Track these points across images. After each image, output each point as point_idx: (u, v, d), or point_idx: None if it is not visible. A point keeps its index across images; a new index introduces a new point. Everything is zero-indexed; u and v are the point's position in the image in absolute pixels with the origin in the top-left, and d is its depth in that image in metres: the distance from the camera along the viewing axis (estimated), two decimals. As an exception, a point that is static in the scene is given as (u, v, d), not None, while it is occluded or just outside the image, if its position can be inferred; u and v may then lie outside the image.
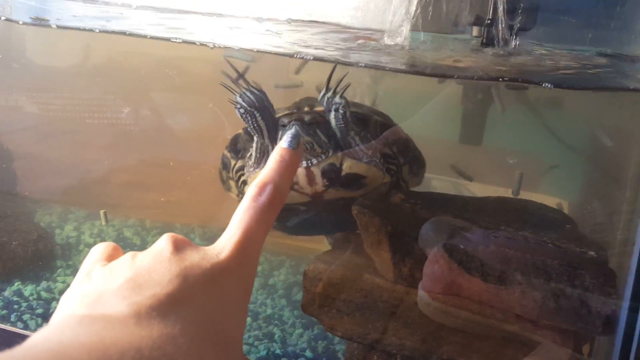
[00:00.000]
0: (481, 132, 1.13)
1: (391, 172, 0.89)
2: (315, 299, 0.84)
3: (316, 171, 0.81)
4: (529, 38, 0.80)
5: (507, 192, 1.15)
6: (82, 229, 1.37)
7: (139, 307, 0.39)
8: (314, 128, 0.80)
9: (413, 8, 0.81)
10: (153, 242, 1.25)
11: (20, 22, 1.05)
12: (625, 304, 0.69)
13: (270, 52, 0.90)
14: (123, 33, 0.96)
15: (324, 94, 0.82)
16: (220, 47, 0.88)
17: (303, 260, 1.25)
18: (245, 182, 0.91)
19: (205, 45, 0.90)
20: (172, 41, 0.92)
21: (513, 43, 0.79)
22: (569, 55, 0.83)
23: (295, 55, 0.88)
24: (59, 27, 1.01)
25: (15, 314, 1.07)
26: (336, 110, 0.82)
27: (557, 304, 0.70)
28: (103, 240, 1.32)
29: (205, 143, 1.25)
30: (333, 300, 0.83)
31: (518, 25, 0.78)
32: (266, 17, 0.95)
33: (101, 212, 1.16)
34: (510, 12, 0.78)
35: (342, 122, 0.82)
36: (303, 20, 0.93)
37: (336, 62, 0.80)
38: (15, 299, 1.12)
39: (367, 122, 0.89)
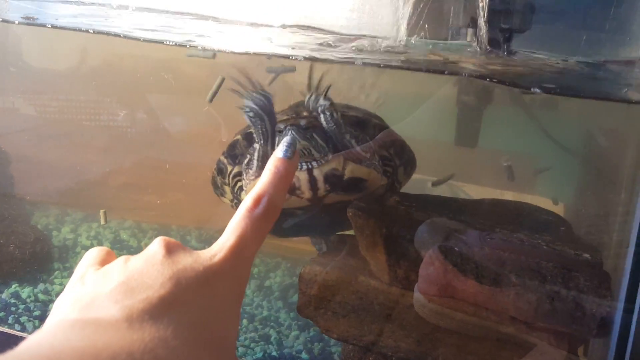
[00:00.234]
0: (476, 134, 1.13)
1: (388, 174, 0.89)
2: (311, 301, 0.84)
3: (319, 176, 0.80)
4: (523, 40, 0.81)
5: (502, 194, 1.15)
6: (79, 231, 1.37)
7: (131, 311, 0.40)
8: (310, 132, 0.80)
9: (408, 11, 0.82)
10: (149, 244, 1.25)
11: (16, 22, 1.06)
12: (620, 305, 0.69)
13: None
14: (118, 35, 0.96)
15: (309, 98, 0.82)
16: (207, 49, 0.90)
17: (299, 262, 1.25)
18: (242, 189, 0.90)
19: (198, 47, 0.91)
20: (165, 44, 0.92)
21: (507, 46, 0.79)
22: (563, 62, 0.84)
23: (290, 57, 0.89)
24: (54, 26, 1.01)
25: (12, 316, 1.07)
26: (323, 112, 0.82)
27: (551, 306, 0.71)
28: (100, 242, 1.33)
29: (201, 145, 1.26)
30: (329, 302, 0.84)
31: (512, 27, 0.79)
32: (260, 21, 0.95)
33: (101, 211, 1.15)
34: (505, 14, 0.78)
35: (332, 124, 0.82)
36: (298, 25, 0.93)
37: (312, 62, 0.81)
38: (12, 301, 1.12)
39: (365, 125, 0.89)
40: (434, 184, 1.06)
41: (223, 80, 0.99)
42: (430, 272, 0.76)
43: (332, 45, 0.87)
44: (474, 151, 1.14)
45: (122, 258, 0.47)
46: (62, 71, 1.41)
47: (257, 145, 0.85)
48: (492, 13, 0.75)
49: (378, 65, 0.87)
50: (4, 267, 1.19)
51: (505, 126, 1.15)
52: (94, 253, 0.50)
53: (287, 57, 0.91)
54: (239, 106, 0.82)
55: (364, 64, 0.84)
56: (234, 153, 0.93)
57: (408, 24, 0.82)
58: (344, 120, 0.86)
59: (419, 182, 1.07)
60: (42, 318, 1.06)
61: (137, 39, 0.96)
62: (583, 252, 0.77)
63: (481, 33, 0.77)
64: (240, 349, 1.00)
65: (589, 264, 0.75)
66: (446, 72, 0.87)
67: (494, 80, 0.80)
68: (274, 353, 1.00)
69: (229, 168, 0.93)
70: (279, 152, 0.53)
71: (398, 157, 0.92)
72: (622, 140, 0.98)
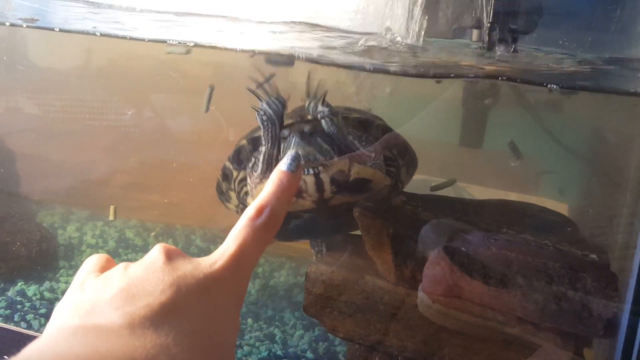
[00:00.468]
0: (481, 135, 1.13)
1: (391, 175, 0.89)
2: (317, 300, 0.84)
3: (325, 179, 0.81)
4: (528, 41, 0.81)
5: (506, 195, 1.15)
6: (84, 229, 1.38)
7: (132, 318, 0.40)
8: (314, 137, 0.81)
9: (412, 11, 0.82)
10: (154, 242, 1.26)
11: (24, 26, 1.06)
12: (627, 306, 0.69)
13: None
14: (124, 37, 0.97)
15: (308, 104, 0.83)
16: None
17: (303, 261, 1.25)
18: (247, 194, 0.90)
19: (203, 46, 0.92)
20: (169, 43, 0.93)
21: (513, 46, 0.79)
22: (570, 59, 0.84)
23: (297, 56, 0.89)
24: (62, 30, 1.01)
25: (18, 313, 1.08)
26: (323, 118, 0.83)
27: (558, 307, 0.71)
28: (105, 240, 1.33)
29: (205, 144, 1.26)
30: (335, 302, 0.84)
31: (518, 28, 0.79)
32: (267, 20, 0.95)
33: (111, 207, 1.16)
34: (511, 15, 0.78)
35: (333, 128, 0.83)
36: (304, 23, 0.94)
37: (310, 70, 0.82)
38: (18, 299, 1.12)
39: (369, 126, 0.90)
40: (433, 189, 1.06)
41: (213, 89, 1.00)
42: (436, 272, 0.76)
43: (337, 46, 0.87)
44: (478, 152, 1.14)
45: (122, 265, 0.47)
46: (67, 70, 1.41)
47: (263, 149, 0.85)
48: (500, 14, 0.75)
49: (387, 72, 0.88)
50: (10, 265, 1.19)
51: (510, 127, 1.15)
52: (93, 260, 0.50)
53: (274, 53, 0.91)
54: (254, 107, 0.83)
55: (374, 70, 0.85)
56: (240, 158, 0.93)
57: (412, 24, 0.82)
58: (347, 122, 0.86)
59: (425, 183, 1.07)
60: (47, 316, 1.06)
61: (143, 40, 0.96)
62: (590, 252, 0.77)
63: (489, 33, 0.77)
64: (245, 348, 1.00)
65: (596, 264, 0.75)
66: (452, 75, 0.88)
67: (503, 78, 0.80)
68: (279, 352, 1.00)
69: (235, 173, 0.93)
70: (283, 164, 0.53)
71: (401, 157, 0.92)
72: (627, 141, 0.98)
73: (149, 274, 0.44)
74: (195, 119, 1.27)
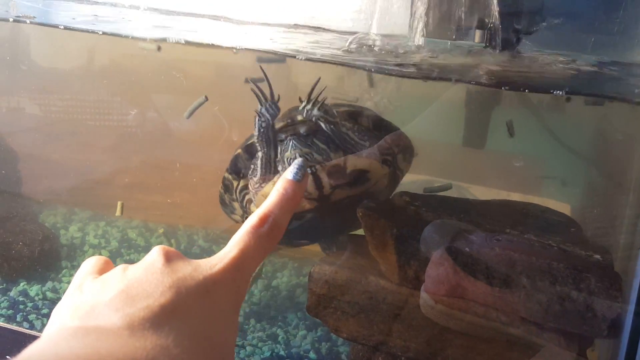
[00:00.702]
0: (484, 135, 1.13)
1: (388, 163, 0.90)
2: (320, 300, 0.84)
3: (322, 175, 0.81)
4: (531, 42, 0.81)
5: (509, 196, 1.15)
6: (86, 229, 1.38)
7: (132, 319, 0.40)
8: (311, 138, 0.83)
9: (415, 12, 0.82)
10: (156, 243, 1.26)
11: (28, 22, 1.06)
12: (630, 307, 0.69)
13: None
14: (127, 37, 0.97)
15: (304, 107, 0.85)
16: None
17: (306, 261, 1.25)
18: (250, 201, 0.91)
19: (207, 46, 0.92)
20: (169, 41, 0.93)
21: (516, 47, 0.79)
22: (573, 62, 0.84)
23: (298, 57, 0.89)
24: (66, 28, 1.01)
25: (21, 314, 1.08)
26: (318, 120, 0.85)
27: (562, 307, 0.71)
28: (107, 241, 1.33)
29: (208, 145, 1.26)
30: (338, 302, 0.84)
31: (521, 29, 0.79)
32: (271, 21, 0.96)
33: (118, 202, 1.16)
34: (514, 15, 0.78)
35: (330, 127, 0.85)
36: (307, 26, 0.94)
37: (319, 78, 0.83)
38: (20, 299, 1.12)
39: (358, 116, 0.90)
40: (426, 191, 1.06)
41: (205, 100, 1.01)
42: (439, 272, 0.76)
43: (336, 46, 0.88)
44: (481, 152, 1.14)
45: (121, 267, 0.47)
46: (70, 70, 1.41)
47: (260, 154, 0.87)
48: (505, 14, 0.75)
49: (389, 73, 0.88)
50: (12, 265, 1.19)
51: (513, 127, 1.15)
52: (92, 262, 0.50)
53: (263, 51, 0.92)
54: (256, 110, 0.84)
55: (377, 71, 0.86)
56: (237, 168, 0.94)
57: (415, 25, 0.82)
58: (338, 115, 0.87)
59: (428, 183, 1.08)
60: (50, 316, 1.06)
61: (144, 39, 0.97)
62: (593, 253, 0.77)
63: (493, 34, 0.77)
64: (248, 348, 1.00)
65: (600, 265, 0.75)
66: (453, 79, 0.88)
67: (507, 88, 0.80)
68: (282, 352, 1.00)
69: (235, 183, 0.94)
70: (289, 173, 0.53)
71: (395, 145, 0.92)
72: (630, 141, 0.98)
73: (148, 276, 0.44)
74: (198, 119, 1.27)
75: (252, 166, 0.90)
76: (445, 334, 0.79)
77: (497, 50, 0.80)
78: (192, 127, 1.30)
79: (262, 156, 0.87)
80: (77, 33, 1.03)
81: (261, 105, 0.83)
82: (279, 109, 0.84)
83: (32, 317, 1.07)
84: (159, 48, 0.99)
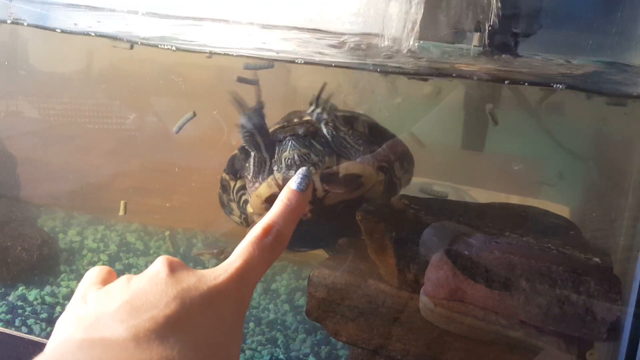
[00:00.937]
0: (483, 138, 1.13)
1: (384, 170, 0.90)
2: (320, 304, 0.84)
3: (315, 178, 0.82)
4: (530, 44, 0.81)
5: (507, 198, 1.15)
6: (85, 233, 1.37)
7: (137, 330, 0.40)
8: (309, 139, 0.84)
9: (413, 14, 0.82)
10: (155, 246, 1.26)
11: (25, 24, 1.06)
12: (630, 309, 0.69)
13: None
14: (130, 41, 0.97)
15: (313, 110, 0.86)
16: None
17: (305, 265, 1.25)
18: (247, 201, 0.91)
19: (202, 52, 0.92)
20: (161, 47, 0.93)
21: (515, 49, 0.79)
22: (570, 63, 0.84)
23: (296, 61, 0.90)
24: (63, 31, 1.02)
25: (19, 318, 1.07)
26: (326, 124, 0.86)
27: (561, 310, 0.70)
28: (106, 244, 1.33)
29: (207, 148, 1.26)
30: (337, 306, 0.84)
31: (520, 31, 0.79)
32: (267, 23, 0.96)
33: (122, 202, 1.15)
34: (512, 18, 0.78)
35: (333, 131, 0.86)
36: (305, 28, 0.94)
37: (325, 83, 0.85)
38: (19, 303, 1.12)
39: (354, 123, 0.91)
40: (422, 191, 1.06)
41: (193, 115, 1.02)
42: (439, 276, 0.76)
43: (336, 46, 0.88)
44: (480, 155, 1.14)
45: (125, 277, 0.47)
46: (69, 74, 1.41)
47: (253, 154, 0.88)
48: (503, 17, 0.75)
49: (387, 72, 0.88)
50: (11, 269, 1.19)
51: (512, 130, 1.15)
52: (95, 272, 0.50)
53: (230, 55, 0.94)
54: (235, 124, 0.87)
55: (380, 70, 0.86)
56: (234, 168, 0.95)
57: (413, 28, 0.82)
58: (335, 120, 0.89)
59: (427, 186, 1.07)
60: (48, 320, 1.06)
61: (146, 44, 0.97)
62: (593, 256, 0.77)
63: (491, 37, 0.77)
64: (248, 352, 1.00)
65: (599, 268, 0.75)
66: (454, 74, 0.88)
67: (507, 82, 0.80)
68: (281, 356, 1.00)
69: (232, 183, 0.95)
70: (293, 183, 0.53)
71: (392, 152, 0.93)
72: (629, 143, 0.98)
73: (153, 287, 0.44)
74: (197, 122, 1.27)
75: (246, 165, 0.91)
76: (444, 337, 0.79)
77: (496, 54, 0.80)
78: (191, 131, 1.30)
79: (255, 156, 0.88)
80: (76, 37, 1.04)
81: (242, 115, 0.85)
82: (262, 116, 0.86)
83: (30, 321, 1.06)
84: (131, 47, 1.01)
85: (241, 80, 0.88)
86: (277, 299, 1.17)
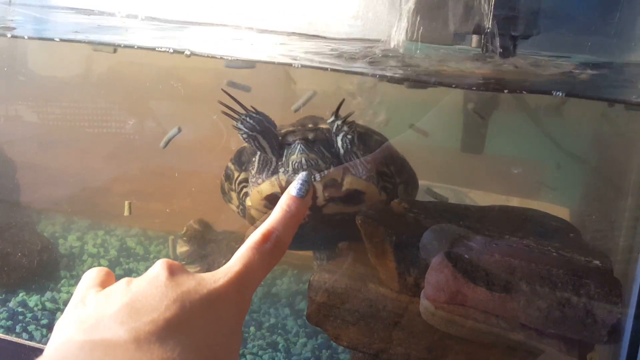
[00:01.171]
0: (482, 141, 1.13)
1: (387, 191, 0.91)
2: (320, 308, 0.84)
3: (318, 186, 0.83)
4: (528, 46, 0.81)
5: (507, 200, 1.15)
6: (85, 238, 1.37)
7: (138, 333, 0.40)
8: (318, 145, 0.84)
9: (412, 17, 0.82)
10: (156, 251, 1.26)
11: (26, 37, 1.07)
12: (631, 311, 0.69)
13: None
14: (130, 46, 0.98)
15: (334, 120, 0.86)
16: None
17: (305, 269, 1.25)
18: (247, 194, 0.92)
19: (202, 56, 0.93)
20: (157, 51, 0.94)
21: (514, 52, 0.79)
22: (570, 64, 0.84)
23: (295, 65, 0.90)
24: (62, 40, 1.02)
25: (20, 324, 1.07)
26: (344, 136, 0.86)
27: (562, 313, 0.70)
28: (106, 250, 1.33)
29: (206, 153, 1.26)
30: (338, 310, 0.84)
31: (519, 33, 0.79)
32: (266, 28, 0.96)
33: (126, 202, 1.16)
34: (511, 19, 0.78)
35: (348, 145, 0.86)
36: (304, 34, 0.94)
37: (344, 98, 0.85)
38: (20, 309, 1.12)
39: (367, 140, 0.92)
40: (428, 192, 1.07)
41: (179, 131, 1.05)
42: (439, 279, 0.76)
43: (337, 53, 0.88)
44: (480, 157, 1.14)
45: (124, 280, 0.47)
46: (68, 79, 1.41)
47: (259, 152, 0.90)
48: (502, 20, 0.75)
49: (388, 77, 0.88)
50: (11, 275, 1.19)
51: (511, 132, 1.15)
52: (93, 274, 0.50)
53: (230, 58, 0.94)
54: (234, 126, 0.87)
55: (380, 76, 0.86)
56: (241, 160, 0.96)
57: (411, 30, 0.82)
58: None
59: (428, 190, 1.08)
60: (49, 327, 1.06)
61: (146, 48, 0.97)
62: (593, 258, 0.77)
63: (490, 40, 0.77)
64: (249, 357, 1.00)
65: (599, 270, 0.75)
66: (454, 85, 0.88)
67: (506, 91, 0.80)
68: (282, 360, 1.00)
69: (236, 174, 0.96)
70: (293, 189, 0.53)
71: (398, 175, 0.94)
72: (629, 145, 0.98)
73: (153, 290, 0.44)
74: (196, 127, 1.27)
75: (252, 160, 0.92)
76: (445, 341, 0.79)
77: (495, 56, 0.80)
78: (191, 135, 1.30)
79: (260, 154, 0.89)
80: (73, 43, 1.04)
81: (235, 120, 0.86)
82: (259, 120, 0.86)
83: (31, 327, 1.06)
84: (115, 50, 1.03)
85: (232, 85, 0.89)
86: (278, 303, 1.17)
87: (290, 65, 0.90)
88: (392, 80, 0.95)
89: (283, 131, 0.89)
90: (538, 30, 0.79)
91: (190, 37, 1.00)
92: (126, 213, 1.18)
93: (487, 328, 0.75)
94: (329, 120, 0.86)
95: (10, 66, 1.31)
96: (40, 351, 0.41)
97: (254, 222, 0.96)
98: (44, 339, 1.01)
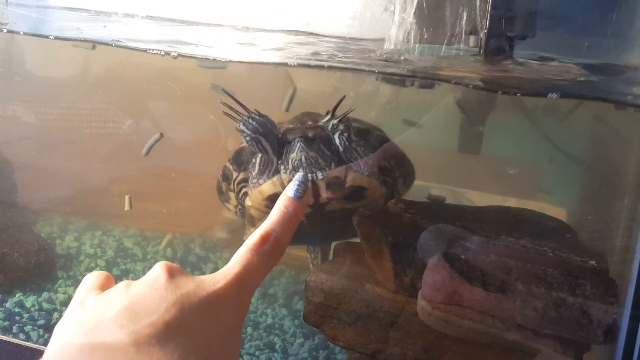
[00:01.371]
0: (480, 141, 1.13)
1: (387, 185, 0.91)
2: (317, 309, 0.84)
3: (321, 184, 0.83)
4: (525, 46, 0.81)
5: (504, 201, 1.15)
6: (82, 239, 1.37)
7: (137, 335, 0.40)
8: (317, 143, 0.84)
9: (409, 17, 0.82)
10: (153, 252, 1.26)
11: (21, 33, 1.07)
12: (626, 311, 0.69)
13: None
14: (127, 47, 0.97)
15: (329, 120, 0.85)
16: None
17: (302, 269, 1.25)
18: (246, 194, 0.92)
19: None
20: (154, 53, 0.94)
21: (511, 52, 0.80)
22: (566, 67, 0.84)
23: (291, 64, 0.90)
24: (56, 38, 1.02)
25: (17, 325, 1.07)
26: (340, 135, 0.85)
27: (558, 313, 0.71)
28: (104, 250, 1.33)
29: (204, 153, 1.26)
30: (335, 310, 0.84)
31: (516, 34, 0.79)
32: (263, 27, 0.96)
33: (126, 197, 1.16)
34: (508, 20, 0.78)
35: (346, 142, 0.86)
36: (302, 32, 0.94)
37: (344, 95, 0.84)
38: (16, 310, 1.12)
39: (367, 136, 0.91)
40: (429, 198, 1.07)
41: (160, 137, 1.06)
42: (436, 279, 0.76)
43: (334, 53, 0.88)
44: (477, 158, 1.14)
45: (123, 283, 0.47)
46: (65, 79, 1.41)
47: (260, 153, 0.89)
48: (498, 20, 0.75)
49: (388, 75, 0.88)
50: (8, 276, 1.19)
51: (508, 133, 1.15)
52: (93, 277, 0.51)
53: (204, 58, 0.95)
54: (237, 128, 0.86)
55: (378, 72, 0.86)
56: (240, 160, 0.95)
57: (409, 31, 0.82)
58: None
59: (424, 190, 1.08)
60: (46, 327, 1.06)
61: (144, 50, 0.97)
62: (589, 258, 0.77)
63: (486, 40, 0.77)
64: (245, 357, 1.00)
65: (595, 270, 0.75)
66: (453, 81, 0.88)
67: (501, 92, 0.80)
68: (279, 361, 1.00)
69: (235, 174, 0.95)
70: (290, 190, 0.53)
71: (398, 168, 0.94)
72: (625, 146, 0.98)
73: (152, 292, 0.44)
74: (194, 127, 1.27)
75: (252, 160, 0.91)
76: (442, 341, 0.79)
77: (492, 56, 0.81)
78: (189, 136, 1.30)
79: (261, 155, 0.89)
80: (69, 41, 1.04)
81: (237, 122, 0.85)
82: (262, 121, 0.86)
83: (28, 328, 1.06)
84: (94, 47, 1.04)
85: (215, 88, 0.89)
86: (275, 304, 1.17)
87: (286, 64, 0.90)
88: (390, 80, 0.95)
89: (282, 129, 0.89)
90: (534, 31, 0.79)
91: (182, 36, 1.00)
92: (127, 207, 1.17)
93: (483, 328, 0.75)
94: (325, 120, 0.86)
95: (7, 66, 1.31)
96: (37, 351, 0.41)
97: (253, 222, 0.96)
98: (41, 339, 1.01)
